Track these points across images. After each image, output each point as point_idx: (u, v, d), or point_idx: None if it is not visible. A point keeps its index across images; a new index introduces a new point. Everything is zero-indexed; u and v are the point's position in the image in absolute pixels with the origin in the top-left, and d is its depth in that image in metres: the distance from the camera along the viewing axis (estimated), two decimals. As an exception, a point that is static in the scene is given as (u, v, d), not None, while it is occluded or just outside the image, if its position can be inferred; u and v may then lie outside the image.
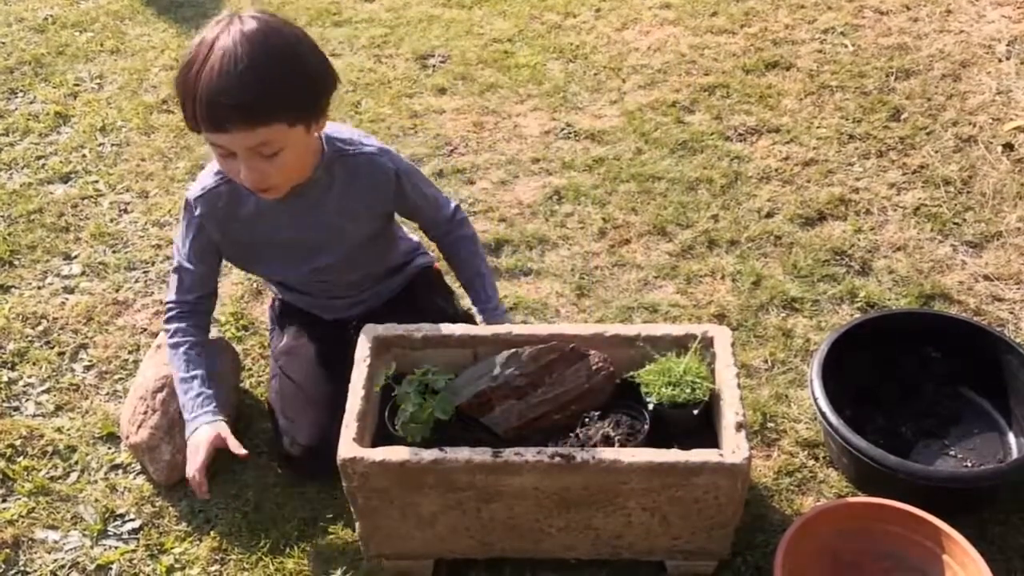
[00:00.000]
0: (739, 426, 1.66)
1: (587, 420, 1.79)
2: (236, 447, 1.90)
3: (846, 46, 3.41)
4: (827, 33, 3.49)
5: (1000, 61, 3.27)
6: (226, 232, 1.97)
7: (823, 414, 1.95)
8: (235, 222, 1.94)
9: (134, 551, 1.98)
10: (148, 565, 1.95)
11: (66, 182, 3.04)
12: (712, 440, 1.76)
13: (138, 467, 2.14)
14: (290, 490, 2.06)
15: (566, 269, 2.56)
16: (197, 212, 1.93)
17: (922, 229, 2.63)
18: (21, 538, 2.01)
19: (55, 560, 1.97)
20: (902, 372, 2.15)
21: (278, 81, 1.65)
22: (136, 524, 2.03)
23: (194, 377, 1.97)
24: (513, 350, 1.81)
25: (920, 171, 2.83)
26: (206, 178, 1.94)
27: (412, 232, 2.34)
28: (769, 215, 2.70)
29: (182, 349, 2.00)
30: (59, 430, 2.22)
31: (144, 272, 2.66)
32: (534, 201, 2.80)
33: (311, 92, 1.74)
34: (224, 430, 1.93)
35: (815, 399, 1.97)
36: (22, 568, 1.96)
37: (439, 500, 1.70)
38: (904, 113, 3.06)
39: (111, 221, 2.86)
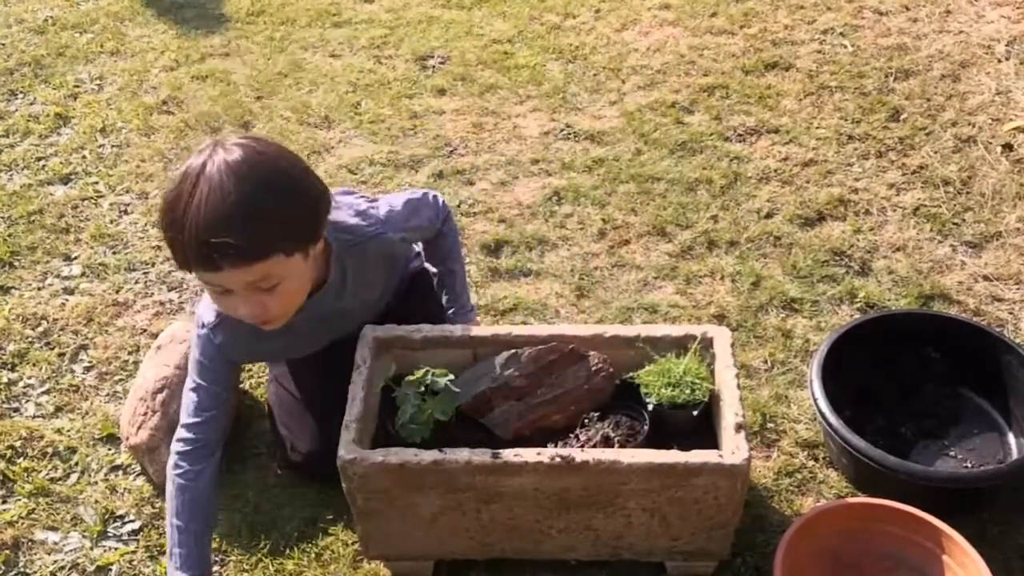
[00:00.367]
0: (739, 427, 1.66)
1: (587, 421, 1.79)
2: None
3: (845, 47, 3.41)
4: (826, 34, 3.49)
5: (999, 61, 3.27)
6: (250, 352, 1.93)
7: (823, 415, 1.95)
8: (257, 342, 1.83)
9: (134, 552, 1.98)
10: (148, 566, 1.95)
11: (66, 183, 3.04)
12: (712, 441, 1.76)
13: (138, 468, 2.14)
14: (290, 490, 2.06)
15: (566, 270, 2.56)
16: (217, 341, 1.80)
17: (921, 229, 2.63)
18: (21, 539, 2.01)
19: (55, 561, 1.97)
20: (902, 372, 2.15)
21: (271, 214, 1.54)
22: (136, 525, 2.03)
23: (188, 532, 1.78)
24: (513, 351, 1.81)
25: (919, 171, 2.83)
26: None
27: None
28: (768, 216, 2.70)
29: (187, 495, 1.80)
30: (59, 431, 2.23)
31: (144, 273, 2.66)
32: (534, 202, 2.80)
33: (307, 219, 1.63)
34: None
35: (815, 400, 1.97)
36: (22, 569, 1.96)
37: (439, 501, 1.70)
38: (903, 113, 3.06)
39: (111, 222, 2.86)
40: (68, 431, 2.23)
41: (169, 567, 1.76)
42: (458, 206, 2.79)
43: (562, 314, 2.44)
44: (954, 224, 2.64)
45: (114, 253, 2.74)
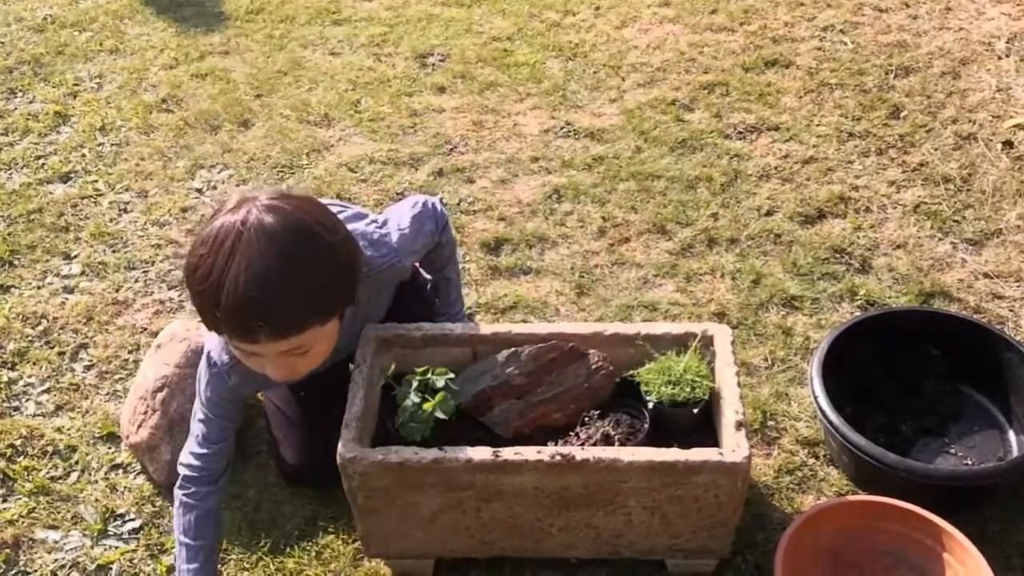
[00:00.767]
0: (739, 425, 1.66)
1: (587, 419, 1.79)
2: None
3: (845, 44, 3.41)
4: (826, 31, 3.48)
5: (1000, 58, 3.26)
6: (261, 387, 1.94)
7: (823, 412, 1.95)
8: (268, 379, 1.78)
9: (134, 551, 1.98)
10: (148, 565, 1.95)
11: (66, 182, 3.03)
12: (712, 439, 1.76)
13: (138, 467, 2.14)
14: (290, 489, 2.06)
15: (566, 268, 2.56)
16: (232, 383, 1.77)
17: (922, 227, 2.63)
18: (21, 538, 2.01)
19: (55, 560, 1.97)
20: (902, 370, 2.14)
21: (311, 291, 1.53)
22: (136, 524, 2.03)
23: (196, 548, 1.78)
24: (513, 349, 1.81)
25: (920, 169, 2.83)
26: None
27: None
28: (769, 213, 2.70)
29: (194, 514, 1.80)
30: (59, 430, 2.22)
31: (144, 272, 2.66)
32: (534, 200, 2.80)
33: (344, 288, 1.61)
34: None
35: (815, 397, 1.97)
36: (23, 568, 1.96)
37: (439, 499, 1.70)
38: (904, 111, 3.06)
39: (111, 221, 2.86)
40: (68, 430, 2.23)
41: None
42: (458, 204, 2.79)
43: (562, 312, 2.44)
44: (954, 221, 2.64)
45: (114, 252, 2.74)
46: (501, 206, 2.79)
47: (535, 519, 1.73)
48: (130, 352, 2.41)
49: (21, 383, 2.36)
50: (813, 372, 2.01)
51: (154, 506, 2.05)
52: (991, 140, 2.91)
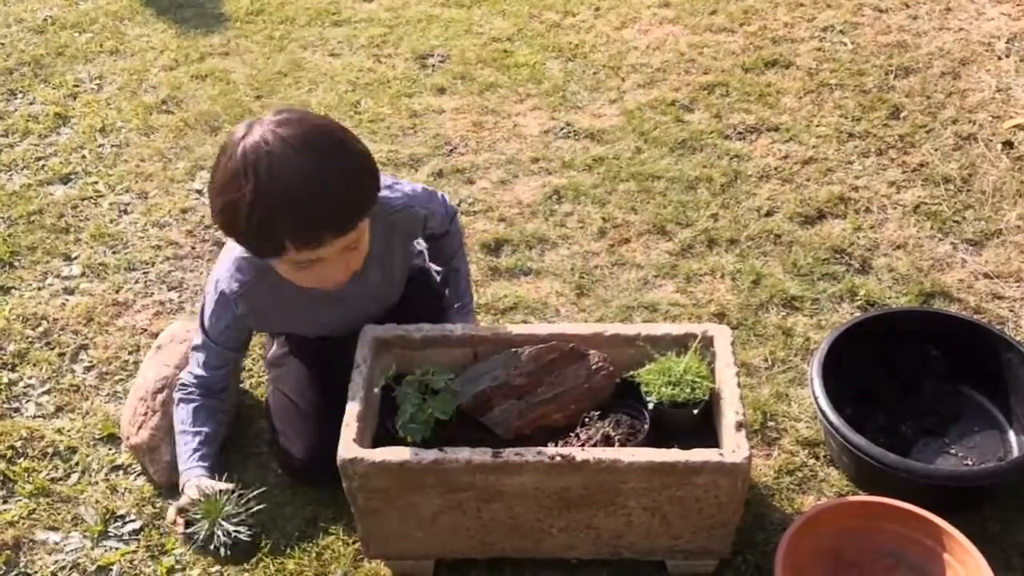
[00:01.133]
0: (739, 425, 1.66)
1: (587, 420, 1.79)
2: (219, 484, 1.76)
3: (845, 44, 3.41)
4: (826, 31, 3.48)
5: (1000, 59, 3.27)
6: (268, 322, 1.95)
7: (823, 413, 1.95)
8: (278, 312, 1.86)
9: (135, 552, 1.98)
10: (149, 566, 1.95)
11: (66, 183, 3.04)
12: (712, 439, 1.76)
13: (139, 468, 2.14)
14: (290, 490, 2.06)
15: (566, 268, 2.56)
16: (239, 311, 1.81)
17: (922, 227, 2.63)
18: (22, 539, 2.01)
19: (56, 561, 1.97)
20: (902, 370, 2.15)
21: (356, 178, 1.60)
22: (137, 525, 2.03)
23: (197, 433, 1.83)
24: (513, 350, 1.81)
25: (920, 169, 2.83)
26: (240, 271, 1.80)
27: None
28: (769, 214, 2.70)
29: (192, 405, 1.86)
30: (59, 431, 2.23)
31: (144, 273, 2.66)
32: (534, 200, 2.80)
33: (374, 175, 1.67)
34: (209, 481, 1.77)
35: (815, 398, 1.97)
36: (23, 569, 1.96)
37: (439, 500, 1.70)
38: (904, 111, 3.06)
39: (111, 222, 2.86)
40: (68, 431, 2.23)
41: (182, 469, 1.80)
42: (458, 205, 2.79)
43: (562, 313, 2.44)
44: (954, 222, 2.64)
45: (114, 253, 2.74)
46: (501, 207, 2.79)
47: (535, 520, 1.73)
48: (130, 353, 2.41)
49: (21, 384, 2.36)
50: (813, 373, 2.01)
51: (154, 507, 2.05)
52: (991, 140, 2.91)
